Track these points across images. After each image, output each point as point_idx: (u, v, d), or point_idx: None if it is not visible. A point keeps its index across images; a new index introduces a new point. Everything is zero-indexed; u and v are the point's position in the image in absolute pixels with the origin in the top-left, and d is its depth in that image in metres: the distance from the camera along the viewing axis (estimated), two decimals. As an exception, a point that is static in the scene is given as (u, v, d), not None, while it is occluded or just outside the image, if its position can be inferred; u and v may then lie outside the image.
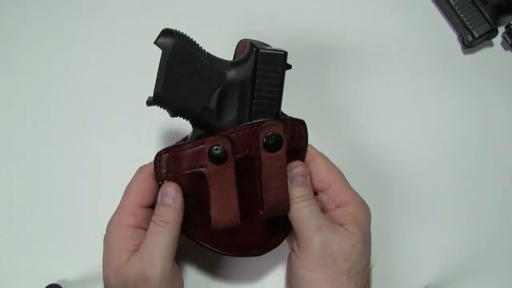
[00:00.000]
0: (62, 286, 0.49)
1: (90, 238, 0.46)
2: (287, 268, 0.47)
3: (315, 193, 0.44)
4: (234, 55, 0.45)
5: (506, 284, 0.53)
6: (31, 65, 0.56)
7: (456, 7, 0.57)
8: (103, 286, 0.42)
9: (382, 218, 0.52)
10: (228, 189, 0.41)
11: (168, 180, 0.42)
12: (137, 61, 0.55)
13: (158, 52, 0.41)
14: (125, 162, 0.48)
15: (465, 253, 0.53)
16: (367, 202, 0.44)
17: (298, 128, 0.44)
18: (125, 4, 0.58)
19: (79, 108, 0.55)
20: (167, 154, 0.42)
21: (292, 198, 0.42)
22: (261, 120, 0.42)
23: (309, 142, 0.45)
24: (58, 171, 0.53)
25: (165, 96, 0.41)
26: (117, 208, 0.42)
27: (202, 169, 0.41)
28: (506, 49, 0.59)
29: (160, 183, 0.42)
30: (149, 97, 0.41)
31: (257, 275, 0.51)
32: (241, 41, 0.45)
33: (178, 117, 0.42)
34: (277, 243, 0.45)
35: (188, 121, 0.43)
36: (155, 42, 0.40)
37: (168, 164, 0.42)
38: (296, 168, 0.43)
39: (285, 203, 0.42)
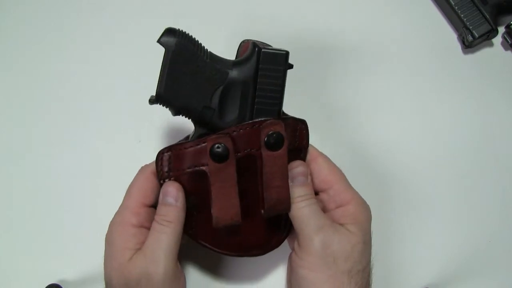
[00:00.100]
0: (62, 286, 0.49)
1: (90, 238, 0.46)
2: (287, 268, 0.47)
3: (316, 193, 0.44)
4: (236, 55, 0.45)
5: (506, 284, 0.53)
6: (31, 65, 0.56)
7: (456, 7, 0.57)
8: (104, 286, 0.42)
9: (382, 218, 0.52)
10: (229, 188, 0.41)
11: (170, 179, 0.42)
12: (137, 61, 0.55)
13: (159, 52, 0.41)
14: (125, 162, 0.48)
15: (465, 253, 0.53)
16: (367, 202, 0.44)
17: (299, 128, 0.44)
18: (125, 4, 0.58)
19: (79, 108, 0.55)
20: (169, 153, 0.42)
21: (293, 197, 0.42)
22: (262, 119, 0.42)
23: (309, 142, 0.45)
24: (58, 171, 0.53)
25: (167, 94, 0.41)
26: (120, 207, 0.42)
27: (204, 168, 0.41)
28: (506, 49, 0.59)
29: (161, 182, 0.42)
30: (152, 96, 0.42)
31: (258, 275, 0.51)
32: (243, 42, 0.45)
33: (180, 115, 0.42)
34: (278, 243, 0.45)
35: (190, 119, 0.43)
36: (158, 41, 0.40)
37: (170, 162, 0.42)
38: (297, 167, 0.43)
39: (286, 202, 0.42)
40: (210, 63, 0.42)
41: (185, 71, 0.41)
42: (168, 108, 0.42)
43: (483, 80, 0.58)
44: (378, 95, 0.57)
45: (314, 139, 0.45)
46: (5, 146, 0.54)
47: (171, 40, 0.40)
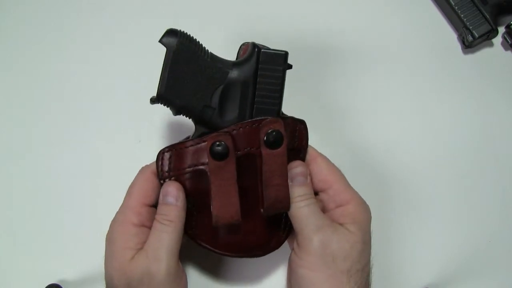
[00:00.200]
0: (62, 286, 0.49)
1: (90, 238, 0.46)
2: (288, 268, 0.47)
3: (316, 193, 0.44)
4: (237, 57, 0.46)
5: (506, 284, 0.53)
6: (31, 65, 0.56)
7: (456, 7, 0.57)
8: (104, 285, 0.42)
9: (382, 218, 0.52)
10: (229, 186, 0.41)
11: (170, 179, 0.42)
12: (137, 61, 0.55)
13: (159, 52, 0.41)
14: (125, 162, 0.48)
15: (465, 253, 0.53)
16: (367, 202, 0.44)
17: (298, 128, 0.44)
18: (125, 4, 0.58)
19: (79, 108, 0.55)
20: (169, 152, 0.42)
21: (293, 197, 0.42)
22: (262, 117, 0.42)
23: (309, 142, 0.45)
24: (58, 171, 0.53)
25: (168, 94, 0.41)
26: (121, 207, 0.43)
27: (203, 167, 0.41)
28: (506, 49, 0.59)
29: (162, 182, 0.42)
30: (153, 96, 0.42)
31: (258, 276, 0.51)
32: (243, 44, 0.46)
33: (181, 115, 0.43)
34: (278, 244, 0.45)
35: (190, 119, 0.43)
36: (160, 41, 0.41)
37: (170, 162, 0.42)
38: (296, 167, 0.43)
39: (286, 201, 0.42)
40: (211, 63, 0.42)
41: (186, 70, 0.41)
42: (169, 108, 0.42)
43: (483, 80, 0.58)
44: (378, 95, 0.57)
45: (314, 139, 0.45)
46: (5, 146, 0.54)
47: (172, 40, 0.41)
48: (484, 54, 0.59)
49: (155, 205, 0.43)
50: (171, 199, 0.41)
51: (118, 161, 0.53)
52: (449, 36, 0.59)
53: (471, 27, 0.56)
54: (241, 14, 0.58)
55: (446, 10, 0.59)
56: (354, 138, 0.55)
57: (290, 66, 0.43)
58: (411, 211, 0.54)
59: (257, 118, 0.42)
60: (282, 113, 0.44)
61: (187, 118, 0.43)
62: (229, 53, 0.45)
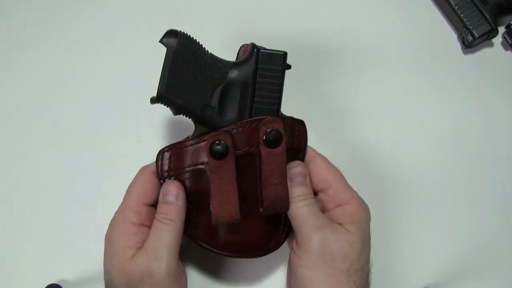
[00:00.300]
0: (62, 286, 0.49)
1: (90, 238, 0.46)
2: (287, 268, 0.47)
3: (315, 193, 0.44)
4: (236, 58, 0.46)
5: (506, 284, 0.53)
6: (31, 65, 0.56)
7: (456, 7, 0.57)
8: (104, 285, 0.42)
9: (382, 218, 0.52)
10: (228, 185, 0.41)
11: (170, 178, 0.42)
12: (137, 61, 0.56)
13: (159, 52, 0.41)
14: (125, 162, 0.48)
15: (465, 253, 0.53)
16: (367, 202, 0.44)
17: (297, 128, 0.44)
18: (125, 4, 0.58)
19: (79, 108, 0.55)
20: (169, 152, 0.42)
21: (292, 197, 0.42)
22: (261, 117, 0.42)
23: (309, 142, 0.45)
24: (58, 171, 0.53)
25: (168, 93, 0.41)
26: (120, 206, 0.43)
27: (203, 166, 0.41)
28: (506, 49, 0.59)
29: (161, 181, 0.42)
30: (153, 96, 0.42)
31: (258, 276, 0.51)
32: (242, 46, 0.46)
33: (181, 115, 0.43)
34: (277, 245, 0.45)
35: (190, 119, 0.43)
36: (160, 41, 0.41)
37: (170, 161, 0.42)
38: (295, 168, 0.43)
39: (285, 201, 0.42)
40: (211, 63, 0.42)
41: (186, 70, 0.41)
42: (169, 107, 0.42)
43: (483, 80, 0.58)
44: (378, 95, 0.57)
45: (313, 139, 0.45)
46: (5, 147, 0.54)
47: (172, 40, 0.41)
48: (484, 54, 0.59)
49: (154, 205, 0.43)
50: (171, 198, 0.41)
51: (118, 161, 0.53)
52: (449, 36, 0.59)
53: (471, 27, 0.56)
54: (241, 14, 0.58)
55: (446, 10, 0.59)
56: (354, 138, 0.55)
57: (289, 67, 0.44)
58: (411, 211, 0.54)
59: (257, 118, 0.42)
60: (281, 113, 0.44)
61: (187, 118, 0.43)
62: (229, 54, 0.45)
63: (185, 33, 0.42)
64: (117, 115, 0.55)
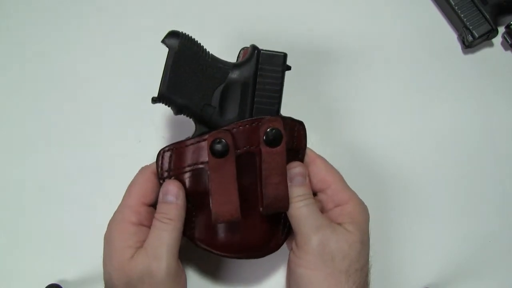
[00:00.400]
0: (62, 286, 0.49)
1: (90, 238, 0.46)
2: (287, 268, 0.47)
3: (315, 194, 0.44)
4: (236, 60, 0.46)
5: (506, 284, 0.53)
6: (31, 65, 0.56)
7: (456, 7, 0.57)
8: (103, 285, 0.42)
9: (382, 218, 0.52)
10: (228, 184, 0.41)
11: (170, 178, 0.42)
12: (137, 61, 0.56)
13: (159, 52, 0.41)
14: (125, 162, 0.48)
15: (465, 253, 0.53)
16: (367, 202, 0.44)
17: (297, 128, 0.45)
18: (126, 4, 0.59)
19: (79, 108, 0.55)
20: (169, 151, 0.42)
21: (292, 197, 0.42)
22: (262, 116, 0.43)
23: (309, 142, 0.45)
24: (58, 171, 0.53)
25: (170, 93, 0.42)
26: (119, 206, 0.43)
27: (203, 166, 0.42)
28: (506, 49, 0.59)
29: (161, 181, 0.42)
30: (154, 96, 0.42)
31: (257, 277, 0.51)
32: (243, 48, 0.46)
33: (182, 114, 0.43)
34: (277, 246, 0.45)
35: (191, 118, 0.44)
36: (162, 41, 0.42)
37: (170, 161, 0.42)
38: (295, 168, 0.43)
39: (285, 200, 0.42)
40: (212, 62, 0.43)
41: (187, 70, 0.42)
42: (170, 107, 0.43)
43: (483, 80, 0.58)
44: (378, 95, 0.57)
45: (314, 140, 0.45)
46: (5, 146, 0.54)
47: (174, 41, 0.42)
48: (484, 54, 0.59)
49: (154, 205, 0.43)
50: (171, 197, 0.41)
51: (118, 161, 0.53)
52: (449, 36, 0.59)
53: (471, 27, 0.56)
54: (241, 14, 0.58)
55: (446, 10, 0.59)
56: (354, 138, 0.55)
57: (289, 68, 0.44)
58: (411, 211, 0.54)
59: (257, 117, 0.43)
60: (281, 115, 0.45)
61: (188, 117, 0.43)
62: (228, 55, 0.45)
63: (186, 34, 0.43)
64: (117, 115, 0.55)
